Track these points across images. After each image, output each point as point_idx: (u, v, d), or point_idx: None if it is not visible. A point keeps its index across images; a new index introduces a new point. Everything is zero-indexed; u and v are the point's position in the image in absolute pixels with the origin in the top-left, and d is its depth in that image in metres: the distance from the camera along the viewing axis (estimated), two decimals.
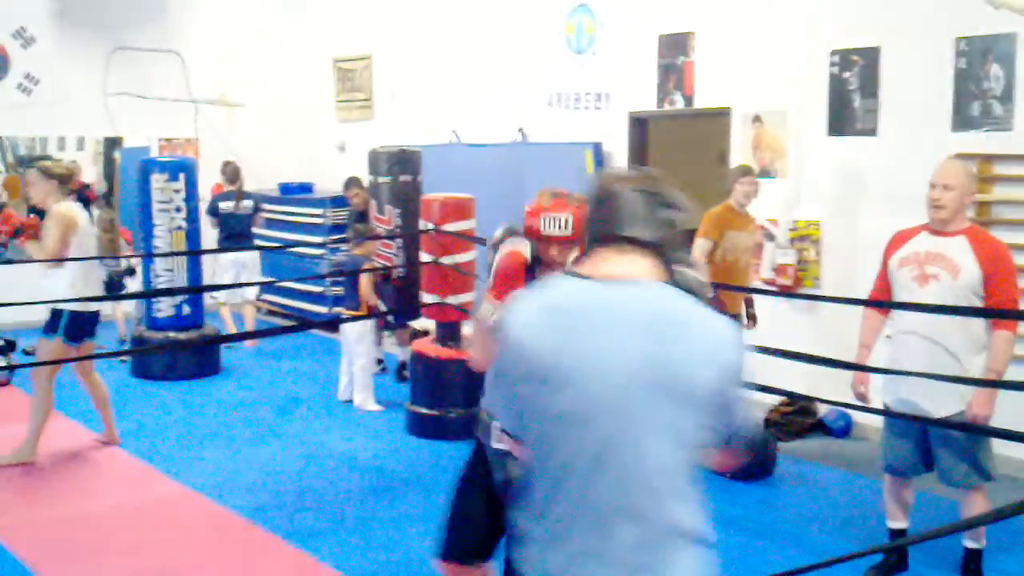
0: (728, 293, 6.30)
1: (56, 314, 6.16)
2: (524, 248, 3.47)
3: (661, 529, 2.02)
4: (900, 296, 4.58)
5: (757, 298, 7.07)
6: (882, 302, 6.21)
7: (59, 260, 6.11)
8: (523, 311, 2.06)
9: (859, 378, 4.81)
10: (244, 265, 9.68)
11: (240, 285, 9.46)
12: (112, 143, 11.60)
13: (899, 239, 4.72)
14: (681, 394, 1.96)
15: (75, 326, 6.20)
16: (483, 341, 3.02)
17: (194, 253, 8.76)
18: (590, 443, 1.97)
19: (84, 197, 9.74)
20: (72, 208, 6.30)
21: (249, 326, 9.66)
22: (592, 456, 1.98)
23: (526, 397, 2.04)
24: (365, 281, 7.49)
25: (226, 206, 9.63)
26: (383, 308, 7.67)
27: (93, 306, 6.31)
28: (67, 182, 6.46)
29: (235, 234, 9.63)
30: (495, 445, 3.29)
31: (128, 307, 10.07)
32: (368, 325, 7.66)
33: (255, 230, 10.20)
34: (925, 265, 4.49)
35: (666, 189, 2.20)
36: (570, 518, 2.02)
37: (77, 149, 11.53)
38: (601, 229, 2.13)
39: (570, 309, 2.02)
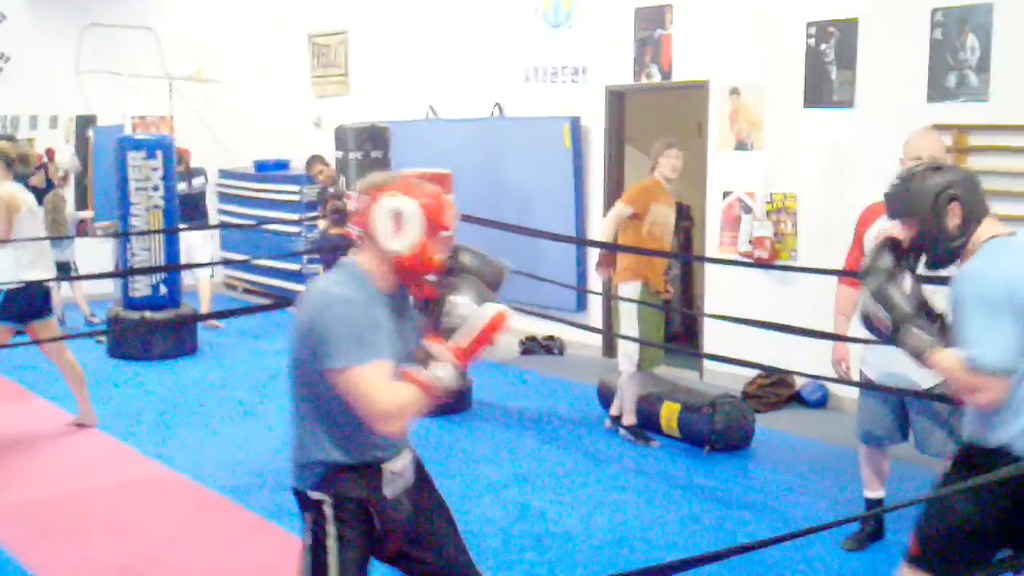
0: (650, 267, 6.24)
1: None
2: None
3: None
4: None
5: (735, 270, 7.11)
6: (857, 272, 6.22)
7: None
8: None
9: (840, 354, 4.83)
10: (191, 244, 9.50)
11: (220, 264, 9.40)
12: (86, 121, 11.48)
13: (871, 213, 4.71)
14: None
15: (11, 305, 6.07)
16: None
17: (149, 232, 8.60)
18: None
19: (47, 178, 9.68)
20: (12, 190, 6.18)
21: (206, 304, 9.58)
22: None
23: None
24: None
25: (180, 188, 9.41)
26: None
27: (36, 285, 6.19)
28: (18, 164, 6.34)
29: (186, 213, 9.45)
30: None
31: (89, 288, 9.99)
32: None
33: (211, 207, 10.04)
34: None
35: None
36: None
37: (50, 127, 11.39)
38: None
39: None
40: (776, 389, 7.16)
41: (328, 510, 2.74)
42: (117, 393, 7.55)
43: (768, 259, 7.30)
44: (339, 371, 2.59)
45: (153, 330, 8.63)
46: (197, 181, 9.71)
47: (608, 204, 8.62)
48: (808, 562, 4.61)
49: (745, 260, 7.37)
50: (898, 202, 3.09)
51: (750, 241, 7.45)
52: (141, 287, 8.70)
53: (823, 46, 7.04)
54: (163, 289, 8.74)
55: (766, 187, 7.43)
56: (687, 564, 3.07)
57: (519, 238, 7.17)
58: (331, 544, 2.73)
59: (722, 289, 7.63)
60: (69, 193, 10.75)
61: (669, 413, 6.32)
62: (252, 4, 12.07)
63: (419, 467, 3.01)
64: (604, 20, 8.47)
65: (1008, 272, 2.85)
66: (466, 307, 2.66)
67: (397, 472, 2.83)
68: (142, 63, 11.41)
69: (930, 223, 2.98)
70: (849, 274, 4.76)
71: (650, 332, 6.24)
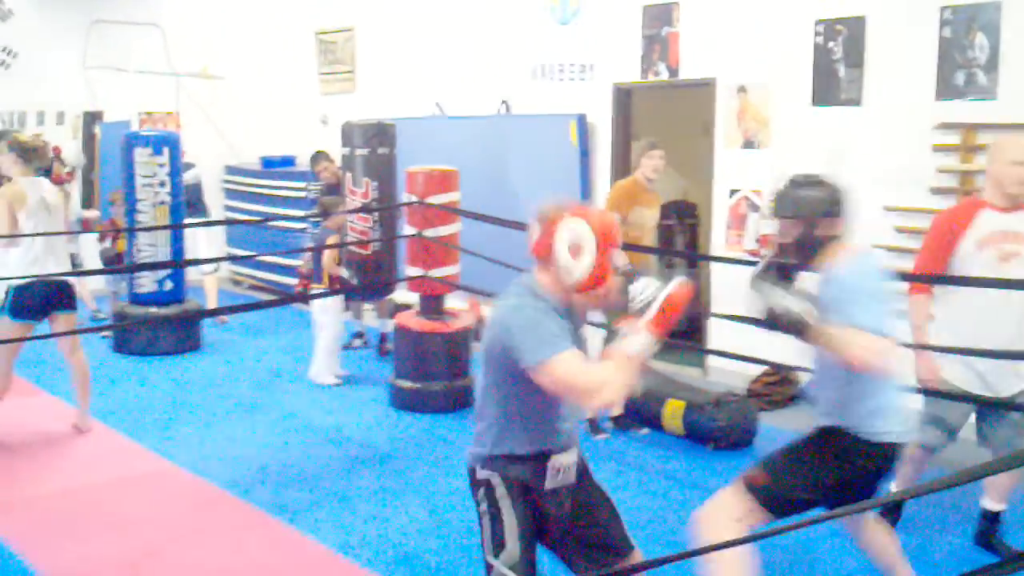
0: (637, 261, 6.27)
1: (7, 292, 5.98)
2: None
3: None
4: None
5: (741, 268, 7.07)
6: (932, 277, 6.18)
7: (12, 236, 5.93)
8: None
9: (928, 369, 4.61)
10: (196, 241, 9.48)
11: (226, 259, 9.38)
12: (92, 117, 11.48)
13: (961, 220, 4.52)
14: None
15: (20, 303, 5.97)
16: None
17: (143, 229, 8.57)
18: None
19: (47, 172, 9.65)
20: (19, 184, 6.04)
21: (212, 299, 9.58)
22: None
23: None
24: (327, 255, 7.50)
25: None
26: (352, 281, 7.59)
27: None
28: (34, 156, 6.20)
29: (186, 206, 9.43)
30: None
31: (96, 283, 10.00)
32: (334, 298, 7.64)
33: (217, 203, 10.02)
34: (1002, 244, 4.40)
35: None
36: None
37: (57, 123, 11.41)
38: None
39: None
40: (780, 387, 7.13)
41: (497, 482, 3.12)
42: (121, 388, 7.55)
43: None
44: (537, 366, 2.91)
45: (159, 326, 8.63)
46: (188, 174, 9.69)
47: None
48: (809, 557, 4.59)
49: (752, 258, 7.34)
50: (789, 205, 3.59)
51: (757, 239, 7.42)
52: (146, 283, 8.70)
53: (831, 44, 7.01)
54: (168, 285, 8.73)
55: (773, 185, 7.38)
56: (686, 556, 3.05)
57: (524, 235, 7.15)
58: (505, 505, 3.11)
59: (728, 287, 7.60)
60: (76, 188, 10.74)
61: (673, 411, 6.30)
62: (258, 1, 12.06)
63: (583, 469, 3.32)
64: (612, 17, 8.45)
65: (877, 277, 3.48)
66: (648, 288, 2.96)
67: (560, 467, 3.15)
68: (149, 59, 11.41)
69: (810, 229, 3.51)
70: (925, 279, 4.67)
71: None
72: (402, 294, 8.27)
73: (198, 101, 11.78)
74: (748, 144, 7.57)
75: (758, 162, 7.46)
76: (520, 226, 6.53)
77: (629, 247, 6.00)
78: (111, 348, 8.71)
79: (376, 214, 7.47)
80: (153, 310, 8.64)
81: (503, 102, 9.40)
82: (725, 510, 3.56)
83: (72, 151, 10.92)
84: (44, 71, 10.86)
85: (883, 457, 3.50)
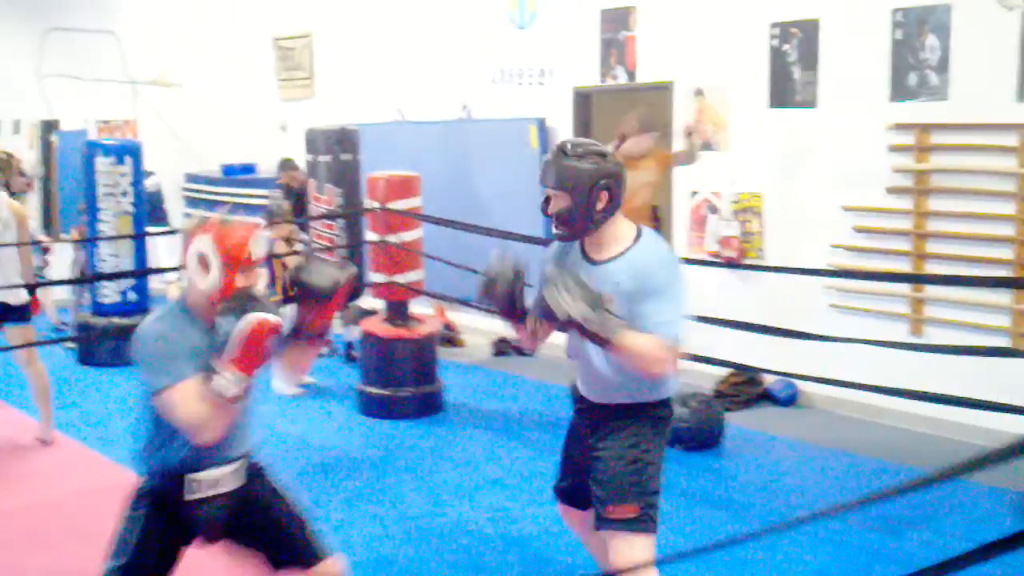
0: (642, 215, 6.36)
1: None
2: None
3: None
4: None
5: (702, 269, 7.17)
6: (832, 271, 6.36)
7: None
8: None
9: None
10: (156, 246, 9.46)
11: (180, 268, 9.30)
12: (49, 126, 11.39)
13: None
14: None
15: None
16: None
17: (100, 239, 8.53)
18: None
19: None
20: None
21: None
22: None
23: None
24: (279, 264, 7.50)
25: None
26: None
27: (4, 295, 6.05)
28: (4, 169, 6.22)
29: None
30: None
31: (59, 294, 9.92)
32: (291, 307, 7.61)
33: (176, 210, 10.00)
34: None
35: None
36: None
37: (13, 133, 11.31)
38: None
39: None
40: (746, 387, 7.23)
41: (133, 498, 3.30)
42: (86, 400, 7.51)
43: (735, 258, 7.37)
44: (155, 393, 3.09)
45: (122, 337, 8.56)
46: (148, 182, 9.63)
47: None
48: (777, 559, 4.67)
49: (712, 260, 7.44)
50: (556, 174, 3.31)
51: (717, 241, 7.52)
52: (110, 293, 8.65)
53: (786, 47, 7.12)
54: (132, 295, 8.68)
55: (732, 187, 7.50)
56: (658, 562, 3.11)
57: (488, 239, 7.20)
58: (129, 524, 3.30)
59: (691, 288, 7.68)
60: (35, 199, 10.65)
61: None
62: (215, 7, 12.00)
63: (255, 471, 3.44)
64: (570, 21, 8.51)
65: (677, 264, 3.41)
66: (236, 324, 3.04)
67: (205, 480, 3.24)
68: (105, 67, 11.33)
69: (580, 201, 3.26)
70: (816, 272, 4.78)
71: None
72: (366, 300, 8.28)
73: (156, 108, 11.71)
74: (707, 146, 7.64)
75: (717, 164, 7.55)
76: (483, 230, 6.60)
77: None
78: (76, 359, 8.64)
79: (341, 221, 7.48)
80: (117, 320, 8.58)
81: (464, 107, 9.44)
82: (637, 565, 3.33)
83: (30, 162, 10.83)
84: None
85: (671, 411, 3.54)
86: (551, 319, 3.25)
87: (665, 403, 3.47)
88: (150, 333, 3.17)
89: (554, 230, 3.38)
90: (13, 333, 6.14)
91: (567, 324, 3.16)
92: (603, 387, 3.44)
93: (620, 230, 3.37)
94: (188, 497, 3.23)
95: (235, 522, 3.35)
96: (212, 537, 3.39)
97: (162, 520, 3.27)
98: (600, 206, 3.28)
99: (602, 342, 3.15)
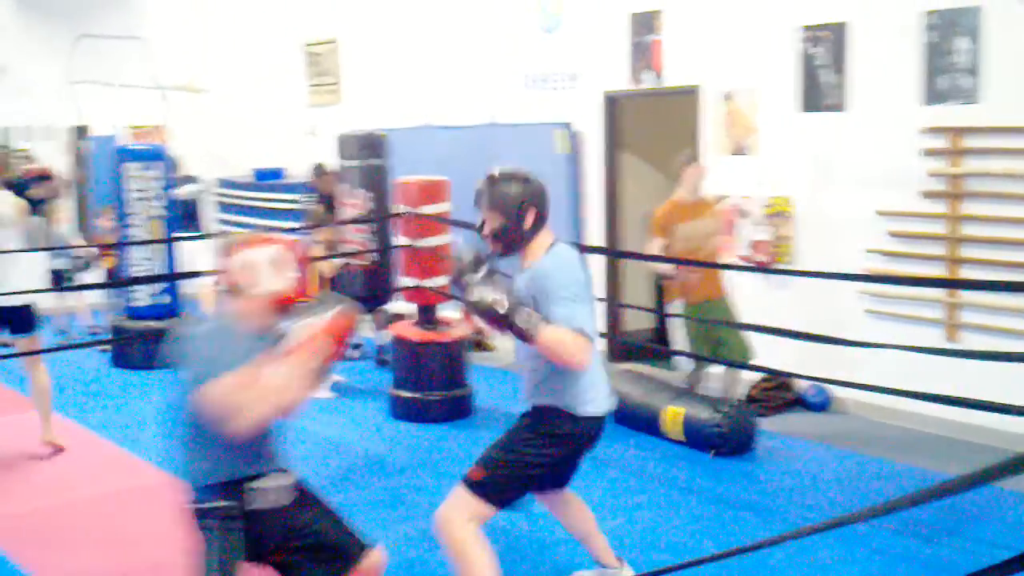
0: (708, 277, 6.49)
1: None
2: None
3: None
4: None
5: (735, 275, 7.16)
6: (866, 276, 6.30)
7: None
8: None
9: None
10: (191, 252, 9.50)
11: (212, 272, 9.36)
12: (79, 131, 11.49)
13: None
14: None
15: None
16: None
17: (134, 244, 8.61)
18: None
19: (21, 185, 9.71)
20: None
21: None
22: None
23: None
24: (322, 266, 7.53)
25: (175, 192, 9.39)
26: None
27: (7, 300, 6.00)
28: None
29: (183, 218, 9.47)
30: None
31: (93, 298, 9.99)
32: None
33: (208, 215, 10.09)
34: None
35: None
36: None
37: (45, 138, 11.42)
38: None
39: None
40: (778, 392, 7.19)
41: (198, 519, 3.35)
42: (120, 402, 7.58)
43: (767, 263, 7.34)
44: (200, 387, 3.14)
45: (155, 340, 8.62)
46: (185, 188, 9.71)
47: (605, 209, 8.67)
48: (810, 563, 4.64)
49: (743, 264, 7.41)
50: (487, 198, 3.82)
51: (749, 246, 7.49)
52: (142, 296, 8.72)
53: (815, 50, 7.09)
54: (164, 298, 8.75)
55: (762, 191, 7.47)
56: (689, 565, 3.11)
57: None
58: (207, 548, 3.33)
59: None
60: (69, 204, 10.74)
61: (673, 417, 6.35)
62: (245, 13, 12.06)
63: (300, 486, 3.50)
64: (598, 25, 8.51)
65: (576, 269, 3.80)
66: (305, 320, 3.26)
67: (266, 489, 3.31)
68: (134, 73, 11.41)
69: (511, 221, 3.76)
70: (849, 277, 4.73)
71: (698, 346, 6.65)
72: (396, 305, 8.30)
73: (185, 114, 11.78)
74: (736, 151, 7.64)
75: (746, 168, 7.53)
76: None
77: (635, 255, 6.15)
78: (110, 362, 8.72)
79: (372, 225, 7.51)
80: (149, 323, 8.65)
81: (491, 112, 9.44)
82: (457, 512, 3.81)
83: (65, 167, 10.95)
84: (30, 86, 10.84)
85: (591, 429, 3.88)
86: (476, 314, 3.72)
87: (575, 420, 3.80)
88: (199, 334, 3.31)
89: (490, 247, 3.85)
90: (21, 342, 6.14)
91: (488, 319, 3.63)
92: (529, 389, 3.90)
93: (539, 244, 3.81)
94: (251, 508, 3.28)
95: (289, 535, 3.40)
96: (272, 550, 3.40)
97: (232, 535, 3.30)
98: (527, 223, 3.76)
99: (526, 336, 3.59)
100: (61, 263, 9.24)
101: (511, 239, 3.79)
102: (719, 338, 6.51)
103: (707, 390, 6.74)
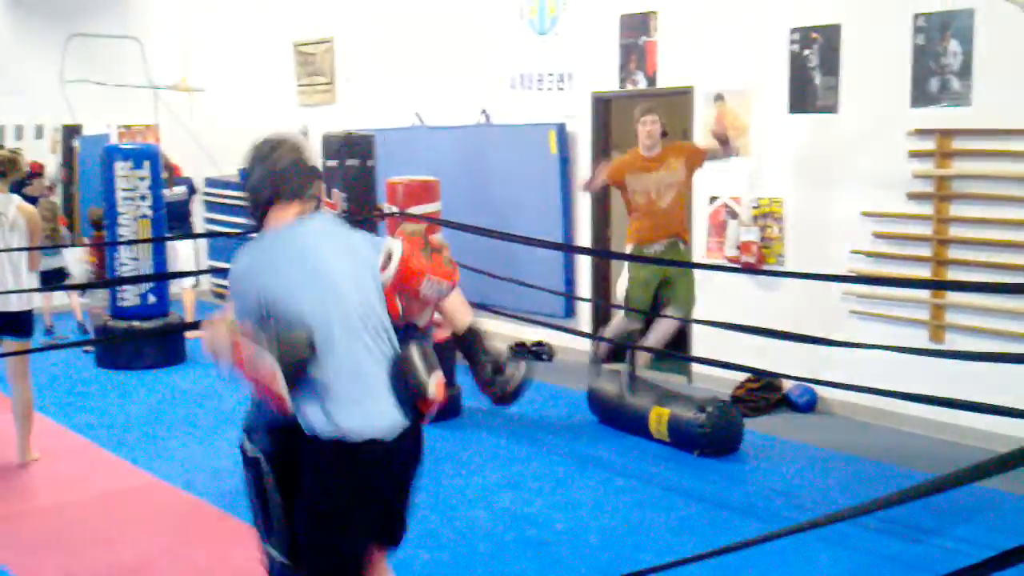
0: (675, 217, 6.75)
1: None
2: None
3: None
4: None
5: (722, 275, 7.17)
6: (852, 277, 6.31)
7: None
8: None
9: None
10: (176, 251, 9.48)
11: (207, 272, 9.39)
12: (71, 131, 11.47)
13: None
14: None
15: None
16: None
17: (127, 243, 8.58)
18: None
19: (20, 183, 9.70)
20: None
21: (189, 312, 9.57)
22: None
23: None
24: None
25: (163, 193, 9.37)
26: None
27: (6, 303, 5.82)
28: (9, 170, 6.02)
29: (171, 219, 9.43)
30: None
31: (84, 296, 9.97)
32: None
33: (197, 215, 10.11)
34: None
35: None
36: None
37: (36, 137, 11.39)
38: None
39: None
40: (764, 393, 7.19)
41: None
42: (106, 403, 7.55)
43: (755, 264, 7.34)
44: None
45: (141, 340, 8.61)
46: (178, 189, 9.70)
47: (595, 209, 8.67)
48: (794, 564, 4.64)
49: (732, 265, 7.41)
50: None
51: (737, 246, 7.49)
52: (129, 296, 8.69)
53: (807, 52, 7.09)
54: (151, 298, 8.73)
55: (752, 192, 7.47)
56: (673, 565, 3.10)
57: (507, 244, 7.21)
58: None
59: (709, 293, 7.66)
60: (56, 202, 10.72)
61: (659, 417, 6.35)
62: (237, 13, 12.05)
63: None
64: (590, 27, 8.51)
65: (240, 263, 3.15)
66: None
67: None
68: (127, 72, 11.40)
69: (247, 201, 3.28)
70: (836, 279, 4.72)
71: (635, 289, 6.70)
72: None
73: (177, 113, 11.77)
74: (729, 151, 7.63)
75: (737, 169, 7.53)
76: (501, 236, 6.60)
77: (617, 255, 6.15)
78: (94, 362, 8.69)
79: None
80: (136, 324, 8.63)
81: (483, 112, 9.44)
82: None
83: (51, 166, 10.91)
84: (21, 85, 10.82)
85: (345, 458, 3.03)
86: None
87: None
88: None
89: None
90: (11, 346, 5.96)
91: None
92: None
93: (271, 223, 3.21)
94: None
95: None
96: None
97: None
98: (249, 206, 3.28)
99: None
100: (54, 262, 9.24)
101: (251, 213, 3.31)
102: (665, 279, 6.67)
103: (694, 390, 6.73)
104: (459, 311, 3.34)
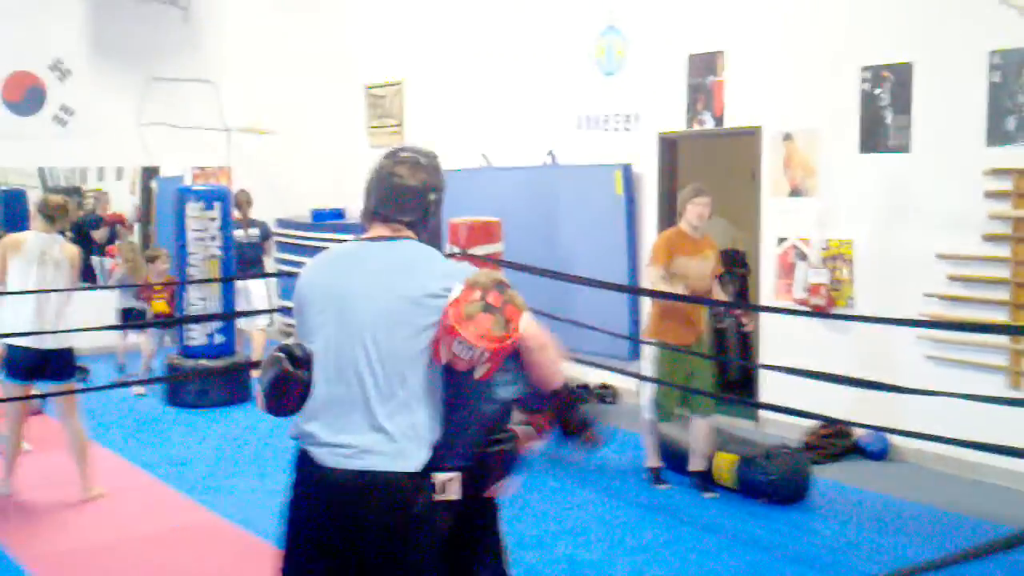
0: (694, 311, 6.18)
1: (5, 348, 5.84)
2: None
3: None
4: None
5: (790, 318, 7.01)
6: (927, 321, 6.10)
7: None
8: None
9: None
10: (249, 292, 9.57)
11: (278, 311, 9.47)
12: (150, 172, 11.74)
13: None
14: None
15: (9, 364, 5.82)
16: None
17: (190, 283, 8.70)
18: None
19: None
20: (18, 234, 6.06)
21: (258, 352, 9.64)
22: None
23: None
24: None
25: (236, 235, 9.48)
26: None
27: (42, 341, 5.78)
28: (58, 215, 6.07)
29: (244, 262, 9.56)
30: None
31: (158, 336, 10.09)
32: None
33: (270, 257, 10.26)
34: None
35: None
36: None
37: (116, 179, 11.70)
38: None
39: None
40: (835, 439, 6.99)
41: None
42: (172, 441, 7.62)
43: (825, 306, 7.17)
44: None
45: (207, 378, 8.70)
46: (251, 231, 9.83)
47: None
48: None
49: (801, 308, 7.25)
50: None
51: (806, 288, 7.33)
52: (197, 335, 8.80)
53: (878, 90, 6.96)
54: (219, 338, 8.82)
55: (822, 233, 7.32)
56: None
57: (572, 285, 7.14)
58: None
59: (778, 337, 7.52)
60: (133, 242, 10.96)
61: (725, 464, 6.20)
62: (310, 56, 12.24)
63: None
64: (656, 67, 8.46)
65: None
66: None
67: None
68: (202, 115, 11.63)
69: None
70: (906, 323, 4.60)
71: (665, 389, 6.17)
72: None
73: (249, 155, 11.96)
74: (795, 192, 7.51)
75: (805, 210, 7.39)
76: (565, 277, 6.54)
77: (686, 297, 6.01)
78: (163, 400, 8.80)
79: None
80: (203, 362, 8.72)
81: (549, 152, 9.43)
82: None
83: (130, 207, 11.19)
84: (101, 128, 11.09)
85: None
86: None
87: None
88: None
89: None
90: (55, 388, 5.98)
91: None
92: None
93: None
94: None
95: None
96: None
97: None
98: None
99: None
100: (129, 302, 9.39)
101: None
102: (688, 383, 6.16)
103: (763, 436, 6.57)
104: (547, 373, 2.94)
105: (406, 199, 2.95)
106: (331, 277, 2.94)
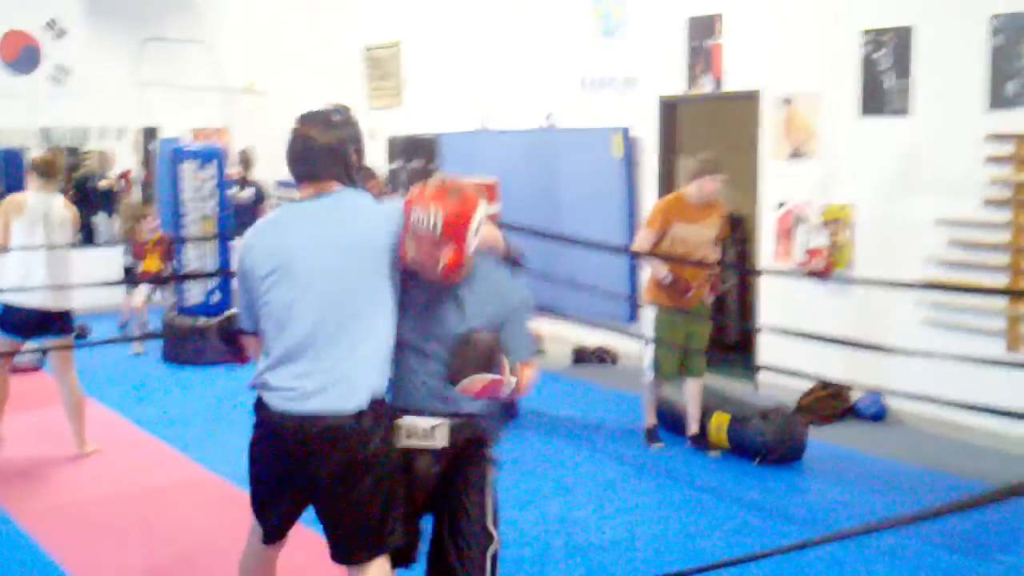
0: (691, 276, 6.07)
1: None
2: None
3: None
4: None
5: (789, 281, 6.99)
6: (926, 284, 6.09)
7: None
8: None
9: None
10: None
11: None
12: (149, 133, 11.72)
13: None
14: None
15: (6, 319, 5.81)
16: None
17: (183, 241, 8.71)
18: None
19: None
20: (24, 195, 6.03)
21: None
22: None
23: None
24: None
25: (230, 193, 9.43)
26: None
27: (50, 301, 5.81)
28: (51, 171, 6.05)
29: (239, 222, 9.51)
30: None
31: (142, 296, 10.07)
32: None
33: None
34: None
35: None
36: None
37: (117, 139, 11.66)
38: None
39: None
40: (832, 402, 6.98)
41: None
42: (167, 398, 7.64)
43: (824, 270, 7.14)
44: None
45: (204, 336, 8.69)
46: (246, 192, 9.80)
47: None
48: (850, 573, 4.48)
49: (800, 271, 7.23)
50: None
51: (805, 252, 7.31)
52: (194, 294, 8.79)
53: (878, 54, 6.90)
54: (216, 296, 8.81)
55: (822, 197, 7.29)
56: (720, 567, 2.98)
57: (570, 248, 7.11)
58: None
59: (777, 300, 7.50)
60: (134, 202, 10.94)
61: (719, 424, 6.20)
62: (308, 16, 12.17)
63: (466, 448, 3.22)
64: (656, 30, 8.40)
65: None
66: None
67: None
68: (200, 75, 11.57)
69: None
70: (906, 285, 4.59)
71: (665, 351, 6.16)
72: None
73: (247, 116, 11.90)
74: (795, 155, 7.47)
75: (805, 173, 7.36)
76: (564, 239, 6.51)
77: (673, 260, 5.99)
78: (160, 358, 8.81)
79: None
80: (201, 320, 8.72)
81: (548, 116, 9.38)
82: None
83: (132, 166, 11.18)
84: (98, 88, 11.04)
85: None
86: None
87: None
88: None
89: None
90: (53, 344, 5.99)
91: None
92: None
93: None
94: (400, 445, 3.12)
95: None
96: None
97: None
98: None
99: None
100: (130, 262, 9.39)
101: None
102: (687, 348, 6.15)
103: (759, 398, 6.57)
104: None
105: (321, 158, 3.14)
106: (273, 239, 3.10)
